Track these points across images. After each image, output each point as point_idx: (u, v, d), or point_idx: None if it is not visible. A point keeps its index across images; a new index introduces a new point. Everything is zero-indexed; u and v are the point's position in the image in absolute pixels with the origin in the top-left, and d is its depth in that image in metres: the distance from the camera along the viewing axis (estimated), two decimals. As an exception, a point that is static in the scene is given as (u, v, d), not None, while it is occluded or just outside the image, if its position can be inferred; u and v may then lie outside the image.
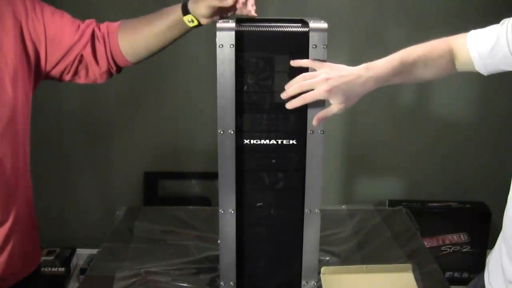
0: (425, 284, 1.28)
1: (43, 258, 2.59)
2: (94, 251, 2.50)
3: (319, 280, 1.22)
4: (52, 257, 2.61)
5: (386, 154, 2.66)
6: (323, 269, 1.25)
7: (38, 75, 1.14)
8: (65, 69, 1.17)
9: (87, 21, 1.20)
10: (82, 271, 2.61)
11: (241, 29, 1.04)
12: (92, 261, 1.52)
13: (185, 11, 1.15)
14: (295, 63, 1.05)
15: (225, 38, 1.03)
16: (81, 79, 1.21)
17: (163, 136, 2.67)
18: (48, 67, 1.15)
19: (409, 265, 1.29)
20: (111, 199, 2.69)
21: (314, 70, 1.05)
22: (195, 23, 1.16)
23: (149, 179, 2.72)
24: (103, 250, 1.48)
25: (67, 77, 1.20)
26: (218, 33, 1.03)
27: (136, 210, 1.75)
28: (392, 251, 1.45)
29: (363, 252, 1.45)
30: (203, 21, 1.15)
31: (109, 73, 1.24)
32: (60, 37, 1.14)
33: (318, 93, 1.02)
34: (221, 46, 1.03)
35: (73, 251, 2.71)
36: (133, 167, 2.70)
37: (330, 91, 1.03)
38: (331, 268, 1.27)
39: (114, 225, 1.62)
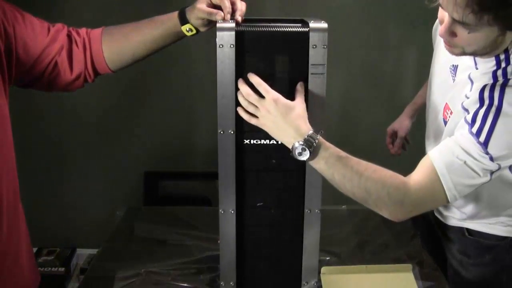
0: (425, 284, 1.28)
1: (43, 258, 2.59)
2: (94, 251, 2.51)
3: (319, 280, 1.22)
4: (52, 257, 2.61)
5: (386, 153, 2.65)
6: (323, 269, 1.25)
7: (9, 80, 1.06)
8: (39, 75, 1.11)
9: (58, 25, 1.15)
10: (82, 271, 2.61)
11: (241, 29, 1.04)
12: (92, 261, 1.52)
13: (183, 20, 1.13)
14: (251, 76, 1.06)
15: (225, 38, 1.03)
16: (55, 87, 1.16)
17: (163, 136, 2.67)
18: (20, 72, 1.07)
19: (409, 265, 1.29)
20: (111, 199, 2.69)
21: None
22: (194, 32, 1.15)
23: (149, 179, 2.72)
24: (103, 250, 1.48)
25: (41, 85, 1.15)
26: (218, 33, 1.03)
27: (136, 210, 1.75)
28: (392, 251, 1.45)
29: (363, 252, 1.45)
30: (202, 29, 1.15)
31: (82, 81, 1.19)
32: (32, 40, 1.08)
33: (251, 120, 1.08)
34: (221, 46, 1.03)
35: (73, 251, 2.71)
36: (133, 167, 2.70)
37: (261, 123, 1.07)
38: (331, 268, 1.27)
39: (114, 225, 1.62)
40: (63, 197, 2.76)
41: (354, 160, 1.08)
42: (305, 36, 1.04)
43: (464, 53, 1.08)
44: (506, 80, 1.06)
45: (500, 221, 1.29)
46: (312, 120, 1.06)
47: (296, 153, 1.04)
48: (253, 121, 1.07)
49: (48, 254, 2.64)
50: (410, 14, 2.50)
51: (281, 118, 1.04)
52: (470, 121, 1.06)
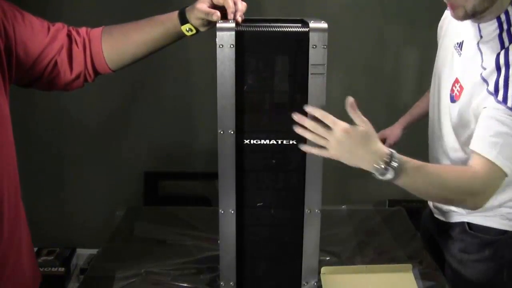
0: (425, 284, 1.28)
1: (43, 258, 2.59)
2: (94, 251, 2.51)
3: (319, 280, 1.22)
4: (52, 257, 2.61)
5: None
6: (323, 269, 1.25)
7: (9, 80, 1.06)
8: (39, 74, 1.11)
9: (58, 24, 1.15)
10: (82, 271, 2.62)
11: (241, 29, 1.04)
12: (92, 261, 1.51)
13: (183, 20, 1.13)
14: (310, 109, 1.04)
15: (225, 38, 1.03)
16: (55, 87, 1.16)
17: (163, 136, 2.67)
18: (19, 72, 1.07)
19: (409, 265, 1.29)
20: (111, 199, 2.69)
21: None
22: (193, 31, 1.15)
23: (149, 179, 2.72)
24: (103, 250, 1.48)
25: (41, 85, 1.14)
26: (218, 33, 1.03)
27: (136, 210, 1.75)
28: (392, 251, 1.45)
29: (363, 252, 1.45)
30: (202, 29, 1.15)
31: (82, 81, 1.19)
32: (31, 39, 1.07)
33: (323, 153, 1.05)
34: (221, 46, 1.03)
35: (73, 251, 2.71)
36: (133, 167, 2.70)
37: (334, 155, 1.05)
38: (331, 268, 1.27)
39: (114, 225, 1.62)
40: (63, 197, 2.76)
41: (430, 166, 1.11)
42: (305, 36, 1.04)
43: (466, 14, 1.13)
44: None
45: (500, 213, 1.31)
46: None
47: (379, 175, 1.04)
48: (325, 154, 1.05)
49: (48, 254, 2.64)
50: (410, 14, 2.50)
51: (359, 147, 1.04)
52: (493, 91, 1.11)
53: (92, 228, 2.69)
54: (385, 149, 1.05)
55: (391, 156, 1.04)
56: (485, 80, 1.14)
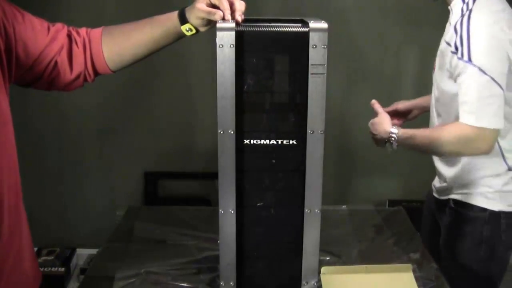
0: (425, 284, 1.28)
1: (43, 258, 2.59)
2: (94, 251, 2.51)
3: (319, 280, 1.22)
4: (52, 257, 2.61)
5: (386, 154, 2.65)
6: (323, 269, 1.25)
7: (9, 79, 1.06)
8: (39, 74, 1.11)
9: (58, 24, 1.14)
10: (82, 271, 2.62)
11: (241, 29, 1.04)
12: (92, 261, 1.51)
13: (183, 20, 1.13)
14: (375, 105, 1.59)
15: (225, 38, 1.03)
16: (54, 87, 1.16)
17: (163, 136, 2.67)
18: (19, 72, 1.07)
19: (409, 265, 1.29)
20: (111, 199, 2.69)
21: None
22: (193, 31, 1.15)
23: (149, 179, 2.72)
24: (103, 250, 1.48)
25: (41, 85, 1.14)
26: (218, 33, 1.03)
27: (136, 210, 1.75)
28: (392, 251, 1.45)
29: (363, 252, 1.45)
30: (202, 29, 1.15)
31: (82, 81, 1.19)
32: (31, 39, 1.07)
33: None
34: (221, 46, 1.03)
35: (73, 251, 2.71)
36: (133, 167, 2.70)
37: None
38: (331, 268, 1.27)
39: (114, 225, 1.62)
40: (63, 197, 2.76)
41: (421, 131, 1.42)
42: (305, 36, 1.04)
43: None
44: (468, 10, 1.35)
45: (481, 192, 1.45)
46: (311, 120, 1.07)
47: (391, 145, 1.46)
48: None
49: (48, 254, 2.64)
50: (410, 14, 2.50)
51: (378, 131, 1.50)
52: (455, 50, 1.34)
53: (92, 228, 2.69)
54: (390, 129, 1.46)
55: (392, 133, 1.44)
56: (448, 44, 1.38)
